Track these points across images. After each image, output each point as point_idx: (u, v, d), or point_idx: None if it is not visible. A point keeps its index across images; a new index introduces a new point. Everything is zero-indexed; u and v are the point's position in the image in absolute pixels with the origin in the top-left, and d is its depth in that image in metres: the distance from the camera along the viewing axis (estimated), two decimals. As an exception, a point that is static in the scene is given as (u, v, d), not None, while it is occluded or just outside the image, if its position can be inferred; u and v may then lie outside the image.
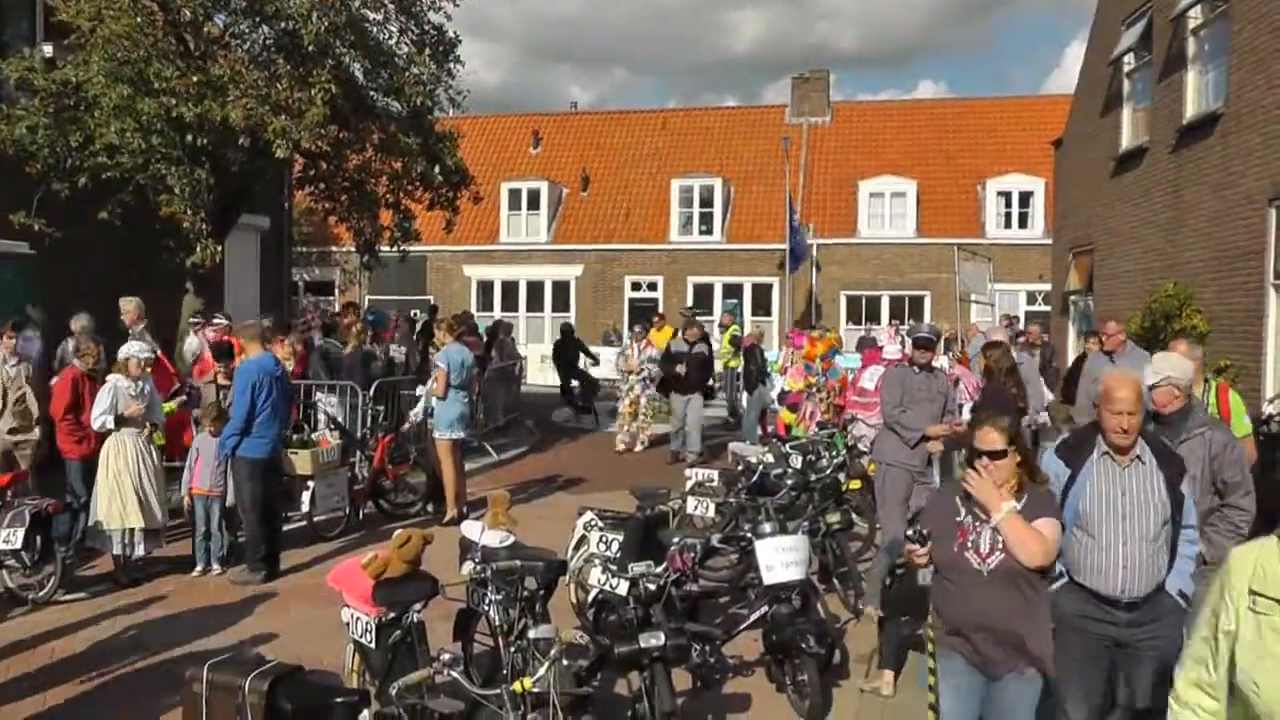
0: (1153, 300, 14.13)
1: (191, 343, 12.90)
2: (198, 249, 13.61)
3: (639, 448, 17.06)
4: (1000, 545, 4.36)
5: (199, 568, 9.49)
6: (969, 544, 4.42)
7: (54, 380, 9.96)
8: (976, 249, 25.96)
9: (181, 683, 4.17)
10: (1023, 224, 31.75)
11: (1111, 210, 17.28)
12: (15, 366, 9.64)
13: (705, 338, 16.77)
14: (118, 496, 8.79)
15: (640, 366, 16.96)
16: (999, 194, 32.06)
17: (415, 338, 18.40)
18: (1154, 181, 15.46)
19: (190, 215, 13.39)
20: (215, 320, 12.90)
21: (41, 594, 8.42)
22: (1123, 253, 16.73)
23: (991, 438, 4.46)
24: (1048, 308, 24.97)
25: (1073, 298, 19.90)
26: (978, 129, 34.87)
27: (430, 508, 11.95)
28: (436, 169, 16.56)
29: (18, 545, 8.06)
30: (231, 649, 7.12)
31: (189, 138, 12.93)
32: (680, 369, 15.79)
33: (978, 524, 4.43)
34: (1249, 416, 6.82)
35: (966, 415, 9.82)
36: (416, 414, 12.39)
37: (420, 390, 12.66)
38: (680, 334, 16.82)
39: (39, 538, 8.24)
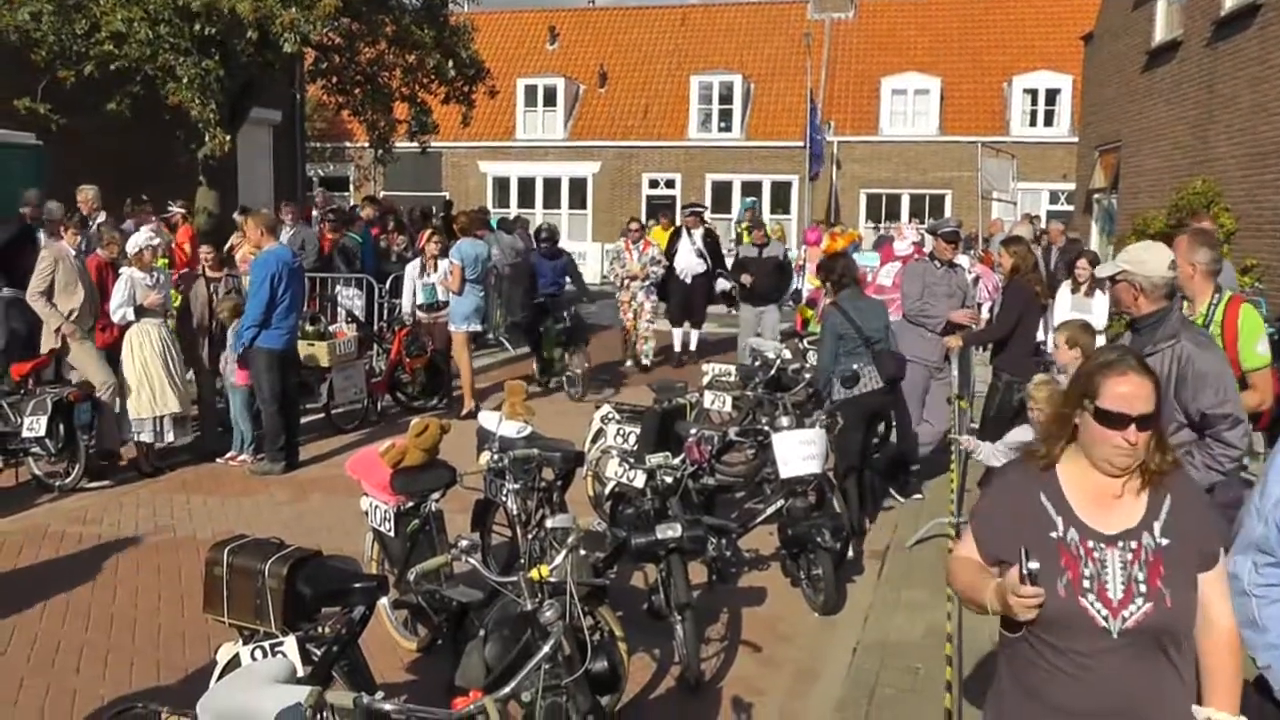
0: (1179, 198, 13.90)
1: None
2: (208, 140, 13.47)
3: (645, 361, 14.88)
4: (1144, 582, 2.61)
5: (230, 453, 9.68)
6: (1085, 581, 2.62)
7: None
8: (1000, 147, 25.55)
9: (203, 566, 4.19)
10: (1048, 122, 31.16)
11: (1141, 106, 16.92)
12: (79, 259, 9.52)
13: (711, 234, 15.61)
14: (147, 385, 8.84)
15: (644, 271, 14.74)
16: (1025, 91, 31.41)
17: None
18: (1187, 76, 15.10)
19: (199, 105, 13.21)
20: (169, 210, 12.54)
21: (67, 481, 8.53)
22: (1151, 149, 16.42)
23: (1133, 384, 2.60)
24: (1070, 207, 24.63)
25: (1097, 196, 19.61)
26: (1005, 24, 34.00)
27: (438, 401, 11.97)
28: (451, 63, 16.30)
29: (41, 433, 8.14)
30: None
31: (197, 27, 12.70)
32: (746, 278, 13.44)
33: (1094, 544, 2.65)
34: (1264, 343, 5.02)
35: (985, 314, 9.74)
36: (407, 313, 12.30)
37: (427, 279, 12.48)
38: (747, 236, 14.60)
39: (61, 426, 8.32)
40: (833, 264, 8.30)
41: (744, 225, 21.26)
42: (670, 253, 15.21)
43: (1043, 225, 21.78)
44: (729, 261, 15.27)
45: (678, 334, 15.54)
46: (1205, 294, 5.09)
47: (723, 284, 14.78)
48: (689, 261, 15.00)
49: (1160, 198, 15.12)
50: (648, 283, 14.75)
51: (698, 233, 15.20)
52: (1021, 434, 6.06)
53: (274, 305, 9.02)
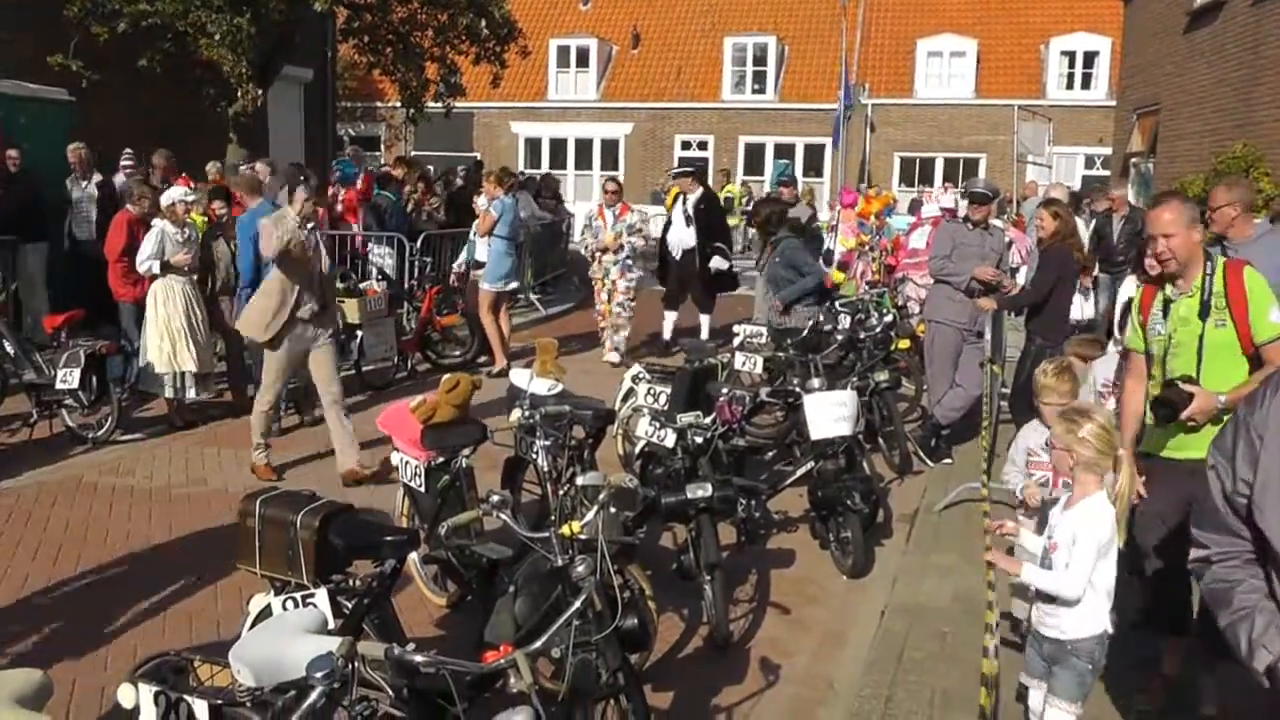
0: (1219, 162, 13.67)
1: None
2: (238, 96, 13.48)
3: (613, 357, 12.22)
4: None
5: None
6: None
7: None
8: (1036, 110, 25.26)
9: (235, 517, 4.22)
10: (1085, 85, 30.74)
11: (1181, 68, 16.63)
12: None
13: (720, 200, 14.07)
14: (167, 339, 8.86)
15: (617, 242, 12.15)
16: (1063, 53, 30.98)
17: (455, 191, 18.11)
18: (1230, 37, 14.81)
19: (230, 60, 13.22)
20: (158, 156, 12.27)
21: (100, 433, 8.61)
22: (1191, 113, 16.15)
23: None
24: (1106, 172, 24.32)
25: (1134, 160, 19.33)
26: (1043, -15, 33.53)
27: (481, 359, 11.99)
28: (483, 22, 16.24)
29: (74, 385, 8.21)
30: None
31: (229, -17, 12.72)
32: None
33: None
34: (1277, 310, 4.31)
35: (1021, 279, 9.62)
36: (460, 264, 12.46)
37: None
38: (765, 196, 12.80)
39: (94, 378, 8.38)
40: (763, 209, 9.35)
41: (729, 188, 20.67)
42: (667, 223, 12.95)
43: (1075, 188, 21.49)
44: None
45: (669, 319, 12.95)
46: (1199, 256, 4.44)
47: (718, 262, 12.36)
48: (679, 233, 12.53)
49: (1199, 162, 14.88)
50: (623, 256, 12.18)
51: (693, 197, 12.57)
52: (1031, 437, 5.07)
53: (261, 265, 8.76)
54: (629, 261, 12.17)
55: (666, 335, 12.81)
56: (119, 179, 11.90)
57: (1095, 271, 11.74)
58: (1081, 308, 11.79)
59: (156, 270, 8.88)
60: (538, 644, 3.04)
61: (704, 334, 12.37)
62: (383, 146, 34.15)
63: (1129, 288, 7.30)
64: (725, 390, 6.58)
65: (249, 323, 7.74)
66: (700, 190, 12.72)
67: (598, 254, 12.29)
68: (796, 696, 4.98)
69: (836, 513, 6.44)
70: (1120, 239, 11.69)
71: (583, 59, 34.29)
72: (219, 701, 3.11)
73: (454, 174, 18.78)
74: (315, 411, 9.45)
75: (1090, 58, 30.68)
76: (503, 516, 3.80)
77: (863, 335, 8.72)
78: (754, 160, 32.43)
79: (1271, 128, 13.30)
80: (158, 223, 8.96)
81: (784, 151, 32.42)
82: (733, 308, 13.91)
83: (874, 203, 14.06)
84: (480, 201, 11.86)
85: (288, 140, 18.52)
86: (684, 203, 12.51)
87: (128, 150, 12.39)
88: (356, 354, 10.71)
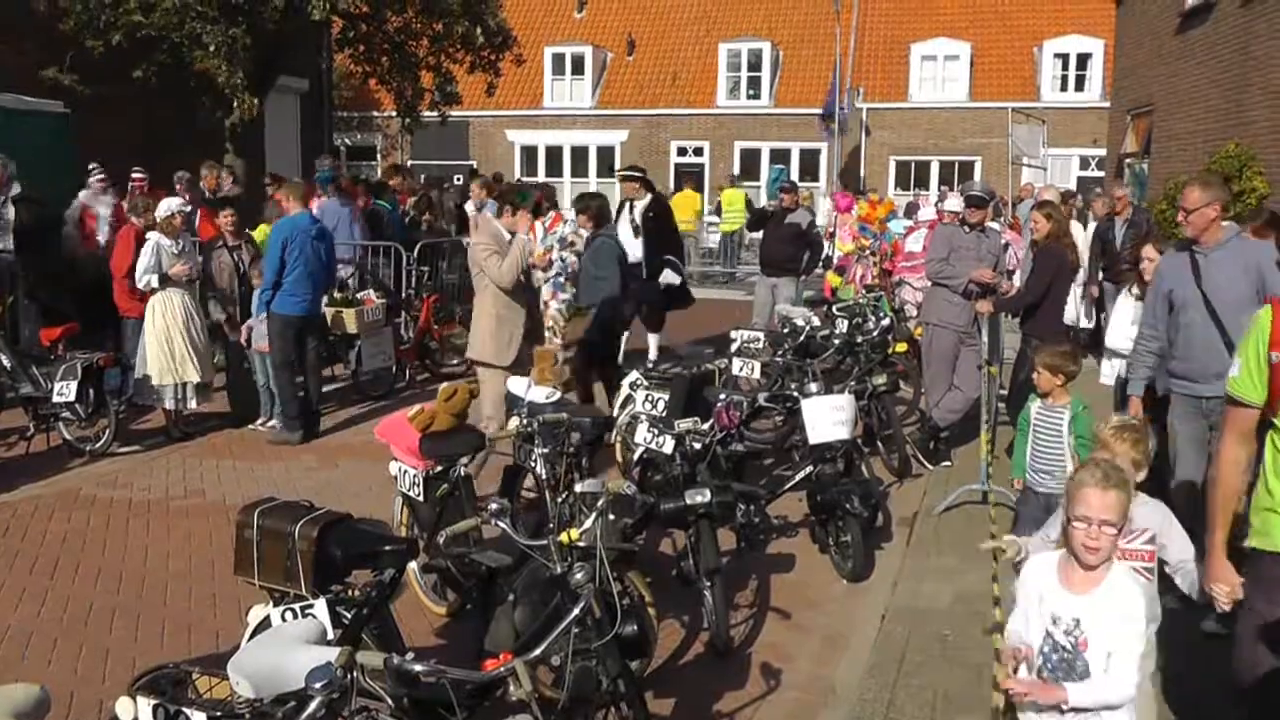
0: (1212, 161, 13.68)
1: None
2: (235, 107, 13.50)
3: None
4: None
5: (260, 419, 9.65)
6: None
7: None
8: (1031, 112, 25.29)
9: (233, 529, 4.21)
10: (1079, 86, 30.80)
11: (1174, 69, 16.65)
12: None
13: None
14: (167, 351, 8.85)
15: (546, 257, 10.71)
16: (1056, 56, 31.05)
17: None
18: (1221, 37, 14.84)
19: (226, 72, 13.23)
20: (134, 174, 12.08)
21: (98, 445, 8.59)
22: (1184, 113, 16.18)
23: None
24: (1101, 173, 24.35)
25: (1128, 160, 19.35)
26: (1036, -13, 33.60)
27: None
28: (478, 30, 16.28)
29: (71, 398, 8.20)
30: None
31: (224, -6, 12.74)
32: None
33: None
34: None
35: (1017, 281, 9.64)
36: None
37: None
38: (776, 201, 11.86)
39: (91, 391, 8.37)
40: (590, 203, 9.44)
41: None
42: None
43: (1069, 189, 21.46)
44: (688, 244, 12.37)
45: (653, 340, 11.72)
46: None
47: (669, 276, 10.99)
48: (625, 244, 10.40)
49: (1193, 162, 14.90)
50: (554, 273, 10.67)
51: (641, 204, 11.13)
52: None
53: (287, 271, 8.92)
54: (560, 280, 10.67)
55: (652, 354, 11.31)
56: (84, 194, 11.68)
57: (1100, 279, 11.65)
58: (1079, 316, 11.78)
59: (155, 284, 8.87)
60: (537, 652, 3.03)
61: (651, 354, 11.11)
62: (379, 155, 34.18)
63: (1127, 305, 6.92)
64: (723, 396, 6.58)
65: (487, 352, 7.40)
66: (649, 197, 11.32)
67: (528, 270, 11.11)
68: (798, 701, 4.97)
69: (836, 516, 6.43)
70: (1125, 244, 10.81)
71: (578, 66, 34.32)
72: (218, 713, 3.11)
73: (439, 185, 18.68)
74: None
75: (1083, 59, 30.74)
76: (501, 524, 3.79)
77: (860, 339, 8.73)
78: (750, 166, 32.46)
79: (1263, 127, 13.32)
80: (152, 236, 8.96)
81: (780, 157, 32.47)
82: (729, 314, 13.91)
83: (879, 209, 14.02)
84: (470, 207, 11.82)
85: (284, 150, 18.54)
86: (630, 210, 11.14)
87: (93, 164, 12.22)
88: (355, 363, 10.71)
